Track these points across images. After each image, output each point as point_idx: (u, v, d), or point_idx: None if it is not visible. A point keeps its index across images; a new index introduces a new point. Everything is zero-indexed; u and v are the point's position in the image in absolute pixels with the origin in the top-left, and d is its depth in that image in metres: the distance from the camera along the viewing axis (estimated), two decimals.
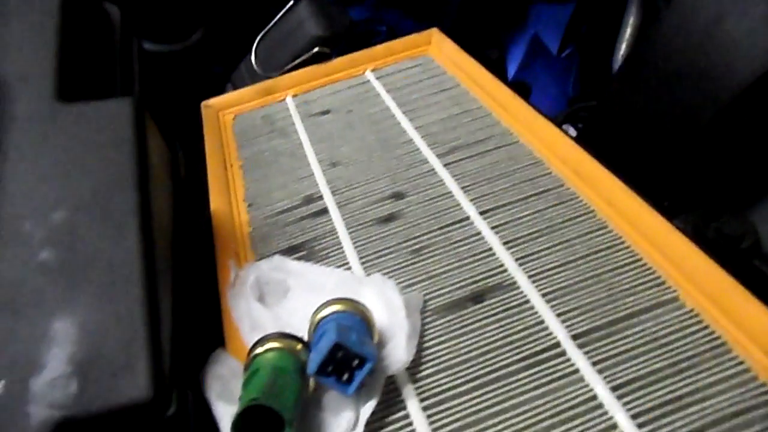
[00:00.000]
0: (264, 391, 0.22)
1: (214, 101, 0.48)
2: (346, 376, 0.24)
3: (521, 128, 0.38)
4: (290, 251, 0.33)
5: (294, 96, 0.47)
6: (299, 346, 0.25)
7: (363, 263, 0.32)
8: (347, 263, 0.32)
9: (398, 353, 0.26)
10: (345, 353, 0.24)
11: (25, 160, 0.28)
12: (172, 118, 0.43)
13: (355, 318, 0.26)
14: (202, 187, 0.39)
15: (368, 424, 0.24)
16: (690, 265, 0.27)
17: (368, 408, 0.24)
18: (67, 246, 0.26)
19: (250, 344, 0.26)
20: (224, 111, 0.47)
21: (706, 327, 0.26)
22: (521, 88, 0.63)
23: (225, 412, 0.24)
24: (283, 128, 0.44)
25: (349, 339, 0.24)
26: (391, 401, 0.25)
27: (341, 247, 0.33)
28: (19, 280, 0.25)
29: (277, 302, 0.30)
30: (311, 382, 0.25)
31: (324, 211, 0.36)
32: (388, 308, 0.27)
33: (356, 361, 0.24)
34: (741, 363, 0.24)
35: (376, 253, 0.32)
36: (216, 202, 0.37)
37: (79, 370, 0.22)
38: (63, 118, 0.30)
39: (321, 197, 0.37)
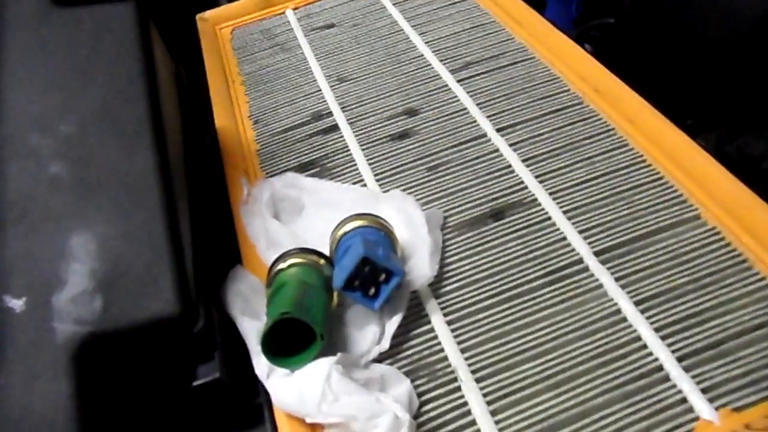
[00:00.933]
0: (294, 304, 0.22)
1: (210, 14, 0.45)
2: (372, 291, 0.24)
3: (537, 44, 0.36)
4: (301, 169, 0.32)
5: (294, 9, 0.45)
6: (322, 261, 0.25)
7: (378, 180, 0.31)
8: (362, 180, 0.31)
9: (422, 268, 0.25)
10: (372, 267, 0.23)
11: (25, 68, 0.27)
12: (166, 31, 0.41)
13: (380, 233, 0.25)
14: (204, 103, 0.38)
15: (394, 338, 0.24)
16: (712, 183, 0.27)
17: (394, 322, 0.24)
18: (78, 159, 0.25)
19: (269, 261, 0.26)
20: (221, 25, 0.45)
21: (728, 244, 0.26)
22: (536, 1, 0.60)
23: (251, 328, 0.24)
24: (285, 43, 0.42)
25: (375, 253, 0.23)
26: (415, 316, 0.25)
27: (355, 164, 0.32)
28: (31, 195, 0.24)
29: (292, 220, 0.29)
30: (335, 297, 0.25)
31: (334, 127, 0.35)
32: (409, 224, 0.27)
33: (383, 276, 0.24)
34: (762, 279, 0.24)
35: (391, 170, 0.31)
36: (221, 119, 0.36)
37: (103, 286, 0.22)
38: (62, 22, 0.28)
39: (330, 114, 0.35)
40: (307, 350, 0.22)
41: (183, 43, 0.44)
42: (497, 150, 0.31)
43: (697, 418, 0.21)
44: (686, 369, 0.22)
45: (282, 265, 0.25)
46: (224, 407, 0.24)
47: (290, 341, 0.23)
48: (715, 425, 0.21)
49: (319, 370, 0.22)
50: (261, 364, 0.23)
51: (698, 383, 0.22)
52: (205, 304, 0.24)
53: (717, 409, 0.21)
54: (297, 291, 0.23)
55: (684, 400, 0.22)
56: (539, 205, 0.28)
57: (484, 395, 0.23)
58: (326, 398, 0.21)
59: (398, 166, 0.31)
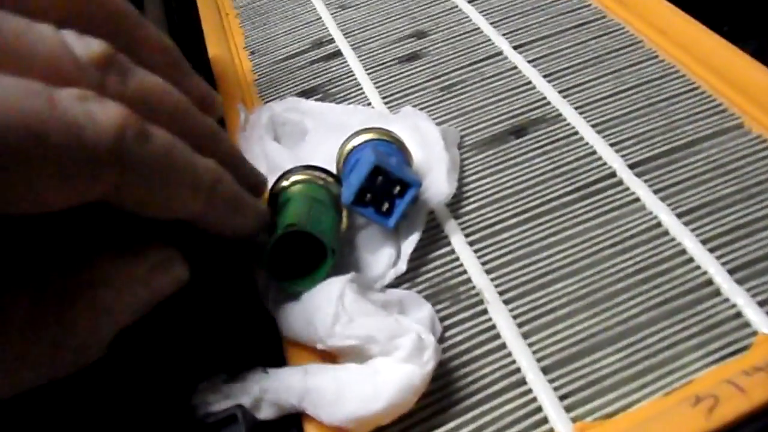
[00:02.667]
0: (301, 217, 0.20)
1: None
2: (386, 206, 0.21)
3: None
4: (303, 96, 0.30)
5: None
6: (330, 179, 0.23)
7: (387, 103, 0.28)
8: (369, 103, 0.29)
9: (439, 186, 0.23)
10: (385, 178, 0.21)
11: None
12: None
13: (392, 145, 0.23)
14: (196, 34, 0.35)
15: (411, 260, 0.22)
16: (756, 88, 0.25)
17: (410, 243, 0.22)
18: None
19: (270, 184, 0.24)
20: None
21: None
22: None
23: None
24: None
25: (388, 163, 0.21)
26: (433, 238, 0.23)
27: (360, 88, 0.29)
28: None
29: (295, 144, 0.27)
30: (344, 218, 0.23)
31: (337, 53, 0.32)
32: (424, 141, 0.25)
33: (397, 188, 0.21)
34: None
35: (400, 92, 0.29)
36: (214, 50, 0.33)
37: None
38: None
39: (332, 40, 0.33)
40: (317, 270, 0.20)
41: None
42: (515, 67, 0.29)
43: (755, 333, 0.19)
44: (739, 282, 0.20)
45: (284, 183, 0.22)
46: None
47: (298, 262, 0.20)
48: None
49: (331, 289, 0.19)
50: (264, 287, 0.21)
51: (754, 296, 0.20)
52: None
53: None
54: (303, 205, 0.21)
55: (739, 315, 0.19)
56: (564, 120, 0.26)
57: (514, 317, 0.20)
58: (340, 319, 0.19)
59: (408, 88, 0.29)
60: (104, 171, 0.14)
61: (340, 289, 0.19)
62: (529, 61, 0.29)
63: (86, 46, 0.15)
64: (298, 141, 0.27)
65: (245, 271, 0.21)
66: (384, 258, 0.22)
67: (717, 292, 0.20)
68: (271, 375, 0.18)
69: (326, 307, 0.19)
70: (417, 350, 0.18)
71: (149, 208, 0.16)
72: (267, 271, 0.20)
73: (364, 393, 0.18)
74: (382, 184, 0.21)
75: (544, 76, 0.28)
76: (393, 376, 0.18)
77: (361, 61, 0.31)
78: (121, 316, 0.16)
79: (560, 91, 0.27)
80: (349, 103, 0.29)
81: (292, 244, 0.20)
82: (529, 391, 0.19)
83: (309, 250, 0.20)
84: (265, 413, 0.18)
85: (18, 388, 0.15)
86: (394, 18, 0.33)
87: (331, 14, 0.35)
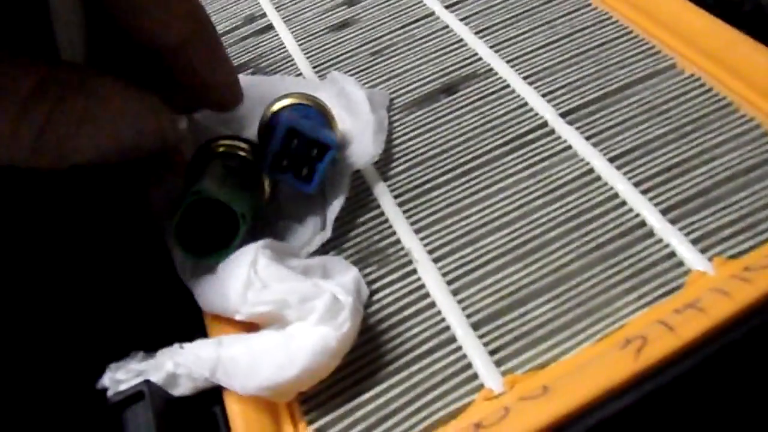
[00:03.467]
0: (210, 185, 0.19)
1: None
2: (305, 171, 0.21)
3: None
4: None
5: None
6: (247, 146, 0.22)
7: (317, 72, 0.28)
8: (300, 74, 0.28)
9: (365, 147, 0.22)
10: (300, 141, 0.20)
11: None
12: None
13: (311, 109, 0.22)
14: None
15: (338, 226, 0.21)
16: (687, 28, 0.24)
17: (335, 207, 0.21)
18: None
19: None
20: None
21: (709, 89, 0.23)
22: None
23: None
24: None
25: (302, 124, 0.20)
26: (361, 201, 0.22)
27: (291, 59, 0.29)
28: None
29: (224, 121, 0.26)
30: (266, 188, 0.22)
31: (268, 27, 0.31)
32: (350, 106, 0.24)
33: (315, 151, 0.20)
34: (751, 120, 0.21)
35: (330, 60, 0.28)
36: None
37: None
38: None
39: (264, 15, 0.32)
40: (231, 240, 0.19)
41: None
42: (447, 26, 0.28)
43: (688, 271, 0.18)
44: (672, 221, 0.19)
45: (201, 154, 0.21)
46: None
47: (213, 235, 0.19)
48: (710, 275, 0.18)
49: (244, 257, 0.18)
50: (181, 263, 0.20)
51: (687, 235, 0.19)
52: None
53: (710, 259, 0.18)
54: (216, 174, 0.20)
55: (672, 254, 0.19)
56: (496, 74, 0.25)
57: (444, 274, 0.20)
58: (253, 286, 0.18)
59: (339, 55, 0.28)
60: None
61: (253, 255, 0.18)
62: (461, 20, 0.28)
63: None
64: (227, 117, 0.26)
65: (161, 245, 0.20)
66: (310, 225, 0.21)
67: (650, 233, 0.19)
68: (185, 349, 0.18)
69: (238, 275, 0.18)
70: (331, 312, 0.17)
71: (139, 13, 0.17)
72: (177, 243, 0.19)
73: (277, 359, 0.17)
74: (299, 147, 0.20)
75: (476, 33, 0.27)
76: (307, 340, 0.17)
77: (292, 32, 0.30)
78: (103, 134, 0.16)
79: (492, 46, 0.26)
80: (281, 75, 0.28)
81: (204, 215, 0.19)
82: (459, 348, 0.18)
83: (224, 221, 0.19)
84: (180, 389, 0.17)
85: None
86: None
87: None
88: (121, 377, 0.17)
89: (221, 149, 0.21)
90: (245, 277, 0.18)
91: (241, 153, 0.21)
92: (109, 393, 0.17)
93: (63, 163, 0.16)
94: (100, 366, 0.17)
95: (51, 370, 0.18)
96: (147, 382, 0.16)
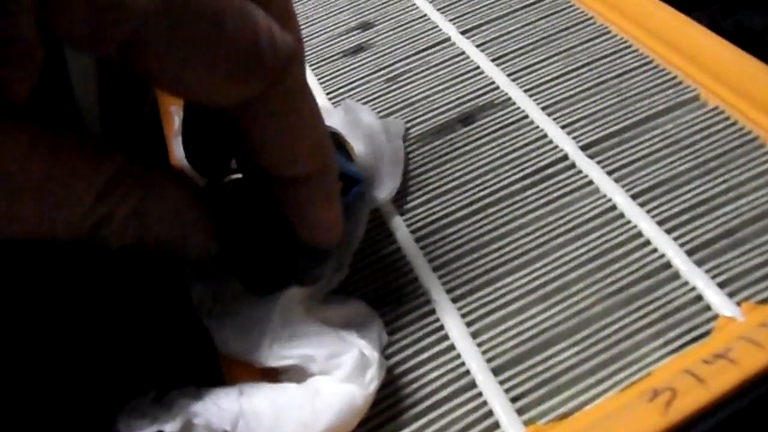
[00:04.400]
0: None
1: None
2: None
3: None
4: None
5: None
6: None
7: (330, 98, 0.27)
8: None
9: (382, 181, 0.22)
10: None
11: None
12: None
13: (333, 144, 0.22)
14: None
15: (355, 261, 0.21)
16: (710, 59, 0.23)
17: (352, 244, 0.21)
18: None
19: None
20: None
21: (734, 123, 0.22)
22: None
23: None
24: None
25: None
26: (378, 236, 0.22)
27: None
28: None
29: None
30: None
31: None
32: (365, 135, 0.23)
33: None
34: None
35: (345, 86, 0.27)
36: None
37: None
38: None
39: None
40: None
41: None
42: (463, 53, 0.27)
43: (716, 317, 0.18)
44: (698, 263, 0.19)
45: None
46: None
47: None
48: (738, 321, 0.17)
49: (270, 304, 0.18)
50: (199, 299, 0.19)
51: (713, 277, 0.18)
52: None
53: (738, 303, 0.18)
54: None
55: (699, 298, 0.18)
56: (513, 104, 0.25)
57: (462, 315, 0.19)
58: (278, 338, 0.17)
59: (353, 81, 0.28)
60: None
61: (279, 304, 0.18)
62: (477, 46, 0.27)
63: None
64: None
65: (179, 281, 0.20)
66: (328, 263, 0.21)
67: (676, 276, 0.19)
68: (203, 395, 0.17)
69: (263, 323, 0.18)
70: (359, 369, 0.17)
71: (269, 145, 0.16)
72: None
73: (302, 417, 0.16)
74: None
75: (493, 60, 0.26)
76: (333, 397, 0.16)
77: (305, 56, 0.30)
78: (151, 229, 0.16)
79: (509, 75, 0.26)
80: None
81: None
82: (479, 394, 0.18)
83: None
84: None
85: None
86: (339, 11, 0.32)
87: None
88: (134, 423, 0.16)
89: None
90: (271, 329, 0.17)
91: None
92: None
93: (107, 246, 0.15)
94: (115, 403, 0.17)
95: (66, 408, 0.18)
96: None
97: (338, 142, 0.22)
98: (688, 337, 0.18)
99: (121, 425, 0.16)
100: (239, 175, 0.19)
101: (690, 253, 0.19)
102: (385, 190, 0.22)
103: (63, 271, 0.18)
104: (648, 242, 0.20)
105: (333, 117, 0.24)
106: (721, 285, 0.18)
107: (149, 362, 0.19)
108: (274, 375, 0.18)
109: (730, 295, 0.18)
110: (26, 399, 0.17)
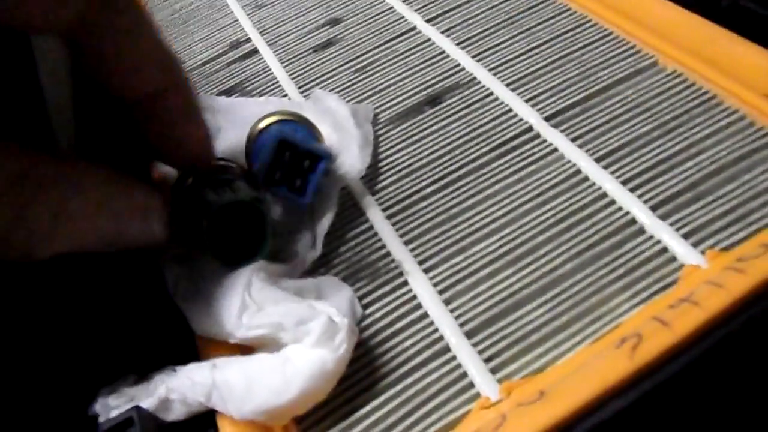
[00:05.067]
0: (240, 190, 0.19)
1: None
2: (298, 183, 0.21)
3: None
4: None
5: None
6: (237, 169, 0.22)
7: (302, 92, 0.28)
8: (286, 95, 0.28)
9: (351, 162, 0.22)
10: (293, 153, 0.20)
11: None
12: None
13: (298, 124, 0.22)
14: None
15: (328, 242, 0.21)
16: (667, 25, 0.24)
17: (324, 224, 0.21)
18: None
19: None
20: None
21: (691, 84, 0.23)
22: None
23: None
24: None
25: (294, 136, 0.20)
26: (349, 216, 0.22)
27: (277, 81, 0.29)
28: None
29: None
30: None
31: (254, 51, 0.31)
32: (335, 122, 0.24)
33: (307, 162, 0.20)
34: (735, 112, 0.21)
35: (315, 79, 0.28)
36: None
37: None
38: None
39: (249, 40, 0.32)
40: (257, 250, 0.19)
41: None
42: (428, 39, 0.28)
43: (681, 266, 0.18)
44: (662, 217, 0.19)
45: (190, 180, 0.21)
46: None
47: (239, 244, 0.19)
48: (703, 268, 0.18)
49: (238, 280, 0.18)
50: (173, 283, 0.20)
51: (678, 230, 0.19)
52: None
53: (703, 252, 0.18)
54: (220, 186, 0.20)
55: (664, 250, 0.19)
56: (479, 83, 0.25)
57: (435, 284, 0.19)
58: (247, 309, 0.18)
59: (323, 75, 0.28)
60: None
61: (247, 278, 0.18)
62: (442, 32, 0.28)
63: None
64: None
65: (153, 266, 0.20)
66: (299, 243, 0.21)
67: (641, 231, 0.19)
68: (178, 372, 0.17)
69: (232, 298, 0.18)
70: (328, 334, 0.17)
71: (112, 64, 0.17)
72: (209, 249, 0.19)
73: (273, 383, 0.16)
74: (291, 159, 0.20)
75: (458, 44, 0.27)
76: (303, 363, 0.17)
77: (276, 55, 0.30)
78: (80, 229, 0.16)
79: (473, 56, 0.26)
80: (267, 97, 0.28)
81: (225, 223, 0.19)
82: (453, 357, 0.18)
83: (243, 230, 0.19)
84: (174, 414, 0.17)
85: None
86: (308, 10, 0.32)
87: (248, 14, 0.34)
88: (112, 403, 0.17)
89: (211, 170, 0.21)
90: (240, 301, 0.17)
91: (234, 170, 0.21)
92: (101, 419, 0.16)
93: (33, 257, 0.15)
94: (93, 389, 0.17)
95: (44, 394, 0.18)
96: (137, 408, 0.16)
97: (308, 126, 0.22)
98: (655, 288, 0.18)
99: (99, 406, 0.17)
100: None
101: (654, 208, 0.19)
102: (354, 171, 0.22)
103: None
104: (613, 201, 0.20)
105: (305, 108, 0.25)
106: (686, 236, 0.19)
107: (128, 348, 0.19)
108: (250, 352, 0.18)
109: (695, 245, 0.18)
110: (7, 385, 0.17)
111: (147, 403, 0.17)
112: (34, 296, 0.19)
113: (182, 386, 0.17)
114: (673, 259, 0.18)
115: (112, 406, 0.17)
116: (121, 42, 0.17)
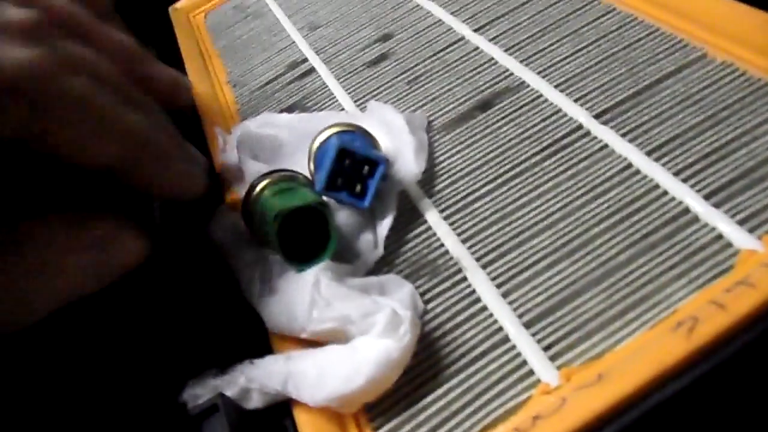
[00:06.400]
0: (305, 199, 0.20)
1: (181, 4, 0.45)
2: (358, 188, 0.22)
3: None
4: None
5: None
6: (301, 178, 0.23)
7: (358, 105, 0.29)
8: (342, 109, 0.29)
9: (408, 167, 0.23)
10: (352, 160, 0.22)
11: None
12: (140, 27, 0.40)
13: (355, 134, 0.23)
14: None
15: (389, 243, 0.22)
16: (714, 17, 0.24)
17: (385, 226, 0.22)
18: None
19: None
20: (194, 12, 0.44)
21: (742, 74, 0.23)
22: None
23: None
24: (257, 11, 0.41)
25: (353, 145, 0.22)
26: (408, 217, 0.23)
27: (334, 97, 0.30)
28: None
29: (272, 158, 0.28)
30: None
31: (310, 71, 0.33)
32: (391, 131, 0.25)
33: (366, 168, 0.22)
34: None
35: (370, 93, 0.29)
36: (198, 88, 0.35)
37: None
38: None
39: (305, 60, 0.34)
40: (321, 253, 0.21)
41: (160, 39, 0.43)
42: (477, 48, 0.29)
43: (738, 252, 0.18)
44: (716, 205, 0.19)
45: (258, 188, 0.23)
46: None
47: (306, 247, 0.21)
48: (760, 252, 0.18)
49: (306, 278, 0.20)
50: (247, 285, 0.21)
51: (733, 216, 0.19)
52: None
53: (760, 237, 0.18)
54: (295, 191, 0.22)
55: (720, 237, 0.19)
56: (528, 86, 0.26)
57: (493, 279, 0.20)
58: (317, 305, 0.19)
59: (377, 88, 0.30)
60: (10, 104, 0.15)
61: (315, 277, 0.20)
62: (490, 40, 0.29)
63: (19, 13, 0.17)
64: (275, 155, 0.28)
65: (228, 271, 0.22)
66: (363, 245, 0.22)
67: (695, 219, 0.19)
68: (256, 364, 0.19)
69: (303, 296, 0.19)
70: (392, 324, 0.18)
71: (65, 151, 0.17)
72: (280, 251, 0.20)
73: (343, 371, 0.18)
74: (351, 166, 0.22)
75: (506, 51, 0.28)
76: (371, 352, 0.18)
77: (332, 72, 0.32)
78: (73, 279, 0.16)
79: (521, 61, 0.27)
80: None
81: (293, 228, 0.21)
82: (513, 347, 0.19)
83: (302, 237, 0.21)
84: (253, 402, 0.18)
85: None
86: (360, 28, 0.34)
87: (303, 36, 0.36)
88: (199, 392, 0.18)
89: (276, 177, 0.23)
90: (309, 298, 0.19)
91: (295, 180, 0.23)
92: (189, 406, 0.18)
93: (31, 315, 0.16)
94: (182, 382, 0.19)
95: (143, 387, 0.20)
96: (221, 395, 0.18)
97: (365, 134, 0.24)
98: (711, 274, 0.18)
99: (187, 395, 0.18)
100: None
101: (708, 197, 0.20)
102: (410, 175, 0.23)
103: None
104: (665, 192, 0.20)
105: (361, 119, 0.26)
106: (741, 222, 0.19)
107: (211, 346, 0.21)
108: (319, 346, 0.20)
109: (751, 230, 0.19)
110: (104, 377, 0.19)
111: (229, 391, 0.18)
112: (133, 305, 0.21)
113: (260, 376, 0.18)
114: (729, 245, 0.19)
115: (199, 395, 0.18)
116: (65, 123, 0.16)
